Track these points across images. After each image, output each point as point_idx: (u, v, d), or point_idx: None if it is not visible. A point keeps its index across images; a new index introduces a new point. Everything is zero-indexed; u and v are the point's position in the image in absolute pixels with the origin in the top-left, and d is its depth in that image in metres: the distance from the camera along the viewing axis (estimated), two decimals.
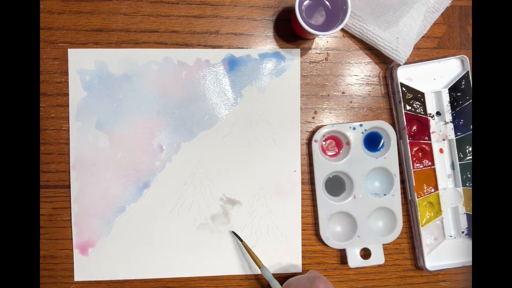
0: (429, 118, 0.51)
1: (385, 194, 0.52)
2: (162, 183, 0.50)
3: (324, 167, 0.51)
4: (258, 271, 0.51)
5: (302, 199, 0.52)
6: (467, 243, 0.52)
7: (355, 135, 0.51)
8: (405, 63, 0.50)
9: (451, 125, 0.51)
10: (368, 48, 0.52)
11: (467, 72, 0.51)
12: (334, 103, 0.52)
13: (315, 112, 0.52)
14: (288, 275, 0.51)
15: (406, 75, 0.51)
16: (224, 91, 0.51)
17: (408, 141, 0.50)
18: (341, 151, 0.52)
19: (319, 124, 0.52)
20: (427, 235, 0.51)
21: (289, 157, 0.51)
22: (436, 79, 0.51)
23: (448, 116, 0.51)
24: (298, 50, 0.51)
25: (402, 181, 0.52)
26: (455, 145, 0.51)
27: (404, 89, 0.50)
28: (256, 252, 0.50)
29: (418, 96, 0.51)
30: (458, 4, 0.53)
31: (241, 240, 0.49)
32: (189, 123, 0.51)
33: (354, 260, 0.51)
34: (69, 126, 0.50)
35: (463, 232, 0.52)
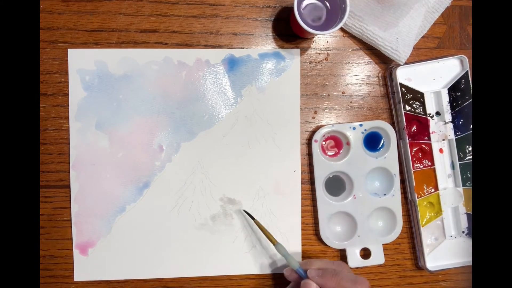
0: (429, 118, 0.51)
1: (385, 194, 0.52)
2: (162, 183, 0.50)
3: (324, 167, 0.51)
4: (258, 271, 0.51)
5: (302, 199, 0.52)
6: (468, 243, 0.52)
7: (355, 135, 0.51)
8: (405, 63, 0.50)
9: (450, 125, 0.51)
10: (368, 48, 0.52)
11: (466, 72, 0.51)
12: (334, 103, 0.52)
13: (315, 112, 0.52)
14: None
15: (406, 75, 0.51)
16: (224, 91, 0.51)
17: (408, 141, 0.50)
18: (341, 151, 0.52)
19: (319, 124, 0.52)
20: (427, 235, 0.51)
21: (289, 157, 0.51)
22: (435, 79, 0.51)
23: (448, 116, 0.51)
24: (298, 50, 0.51)
25: (402, 181, 0.52)
26: (455, 145, 0.51)
27: (403, 89, 0.50)
28: (256, 251, 0.50)
29: (417, 96, 0.51)
30: (458, 4, 0.53)
31: (253, 218, 0.49)
32: (189, 123, 0.51)
33: (354, 260, 0.51)
34: (69, 126, 0.49)
35: (463, 232, 0.52)
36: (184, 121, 0.50)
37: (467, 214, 0.51)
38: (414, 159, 0.51)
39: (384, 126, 0.51)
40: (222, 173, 0.51)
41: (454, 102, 0.51)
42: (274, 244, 0.47)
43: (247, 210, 0.50)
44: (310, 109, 0.52)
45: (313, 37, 0.52)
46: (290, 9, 0.51)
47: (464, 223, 0.52)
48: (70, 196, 0.50)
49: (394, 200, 0.51)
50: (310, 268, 0.44)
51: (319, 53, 0.52)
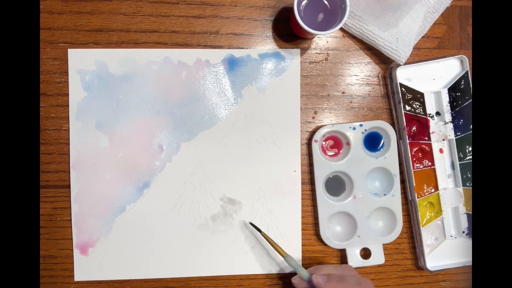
0: (429, 118, 0.51)
1: (385, 194, 0.52)
2: (162, 183, 0.50)
3: (324, 167, 0.51)
4: (258, 271, 0.51)
5: (302, 199, 0.52)
6: (468, 243, 0.52)
7: (355, 135, 0.51)
8: (405, 63, 0.50)
9: (450, 125, 0.51)
10: (368, 48, 0.52)
11: (466, 72, 0.51)
12: (334, 103, 0.52)
13: (315, 112, 0.52)
14: (289, 275, 0.51)
15: (406, 76, 0.51)
16: (224, 91, 0.51)
17: (408, 141, 0.50)
18: (341, 151, 0.52)
19: (319, 124, 0.52)
20: (427, 235, 0.51)
21: (289, 157, 0.51)
22: (435, 79, 0.51)
23: (448, 116, 0.51)
24: (298, 50, 0.51)
25: (402, 181, 0.52)
26: (455, 145, 0.51)
27: (403, 89, 0.50)
28: (256, 251, 0.50)
29: (417, 97, 0.51)
30: (458, 4, 0.53)
31: (260, 231, 0.48)
32: (189, 123, 0.51)
33: (354, 260, 0.51)
34: (69, 126, 0.50)
35: (463, 232, 0.52)
36: (184, 121, 0.50)
37: (467, 214, 0.51)
38: (414, 159, 0.51)
39: (384, 126, 0.51)
40: (222, 173, 0.51)
41: (454, 102, 0.51)
42: (283, 256, 0.47)
43: (249, 210, 0.50)
44: (310, 109, 0.52)
45: (313, 37, 0.52)
46: (290, 9, 0.51)
47: (464, 223, 0.52)
48: (70, 196, 0.50)
49: (394, 200, 0.51)
50: (316, 274, 0.44)
51: (319, 53, 0.52)
